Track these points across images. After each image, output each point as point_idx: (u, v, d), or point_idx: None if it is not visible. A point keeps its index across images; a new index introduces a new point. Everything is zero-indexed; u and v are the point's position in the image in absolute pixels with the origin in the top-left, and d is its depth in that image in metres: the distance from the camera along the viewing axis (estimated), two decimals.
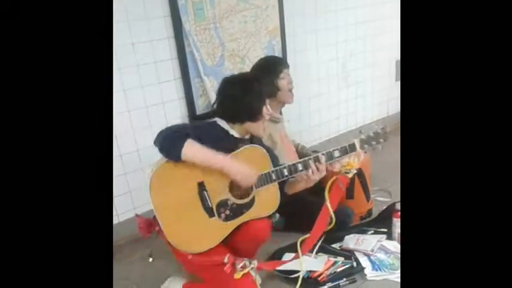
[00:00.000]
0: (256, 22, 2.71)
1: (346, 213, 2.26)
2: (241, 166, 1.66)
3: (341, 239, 2.17)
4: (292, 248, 2.08)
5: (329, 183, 1.88)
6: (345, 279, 1.90)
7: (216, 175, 1.67)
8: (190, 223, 1.67)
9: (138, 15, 2.25)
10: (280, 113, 2.39)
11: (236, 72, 2.67)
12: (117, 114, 2.30)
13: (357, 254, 2.04)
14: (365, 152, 1.82)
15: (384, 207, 2.41)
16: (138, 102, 2.37)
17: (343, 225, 2.24)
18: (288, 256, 2.04)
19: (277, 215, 2.33)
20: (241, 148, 1.74)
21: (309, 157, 1.78)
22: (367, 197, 2.40)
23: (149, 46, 2.34)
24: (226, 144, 1.73)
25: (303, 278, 1.90)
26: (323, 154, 1.77)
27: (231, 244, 1.79)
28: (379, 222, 2.31)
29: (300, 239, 1.97)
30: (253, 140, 1.89)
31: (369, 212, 2.43)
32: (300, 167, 1.76)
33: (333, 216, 1.87)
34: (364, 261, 2.00)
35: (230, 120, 1.79)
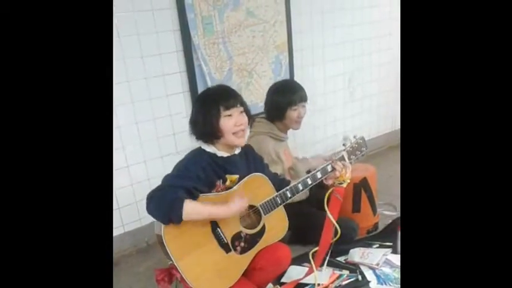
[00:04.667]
0: (264, 37, 2.76)
1: (351, 227, 2.25)
2: (237, 204, 1.62)
3: (346, 252, 2.16)
4: (298, 261, 2.08)
5: (326, 195, 1.92)
6: None
7: None
8: (210, 263, 1.64)
9: (147, 28, 2.30)
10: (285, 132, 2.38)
11: (243, 86, 2.74)
12: (125, 126, 2.34)
13: (362, 267, 2.04)
14: (350, 163, 1.89)
15: (390, 221, 2.41)
16: (146, 114, 2.41)
17: (347, 239, 2.23)
18: (294, 269, 2.03)
19: None
20: (242, 182, 1.70)
21: (307, 176, 1.81)
22: (374, 211, 2.40)
23: (158, 59, 2.38)
24: (215, 169, 1.67)
25: None
26: (318, 171, 1.82)
27: (249, 274, 1.76)
28: (385, 236, 2.30)
29: (311, 252, 1.96)
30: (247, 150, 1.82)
31: (375, 226, 2.43)
32: (300, 186, 1.78)
33: (337, 226, 1.89)
34: (369, 274, 1.99)
35: (207, 141, 1.69)
